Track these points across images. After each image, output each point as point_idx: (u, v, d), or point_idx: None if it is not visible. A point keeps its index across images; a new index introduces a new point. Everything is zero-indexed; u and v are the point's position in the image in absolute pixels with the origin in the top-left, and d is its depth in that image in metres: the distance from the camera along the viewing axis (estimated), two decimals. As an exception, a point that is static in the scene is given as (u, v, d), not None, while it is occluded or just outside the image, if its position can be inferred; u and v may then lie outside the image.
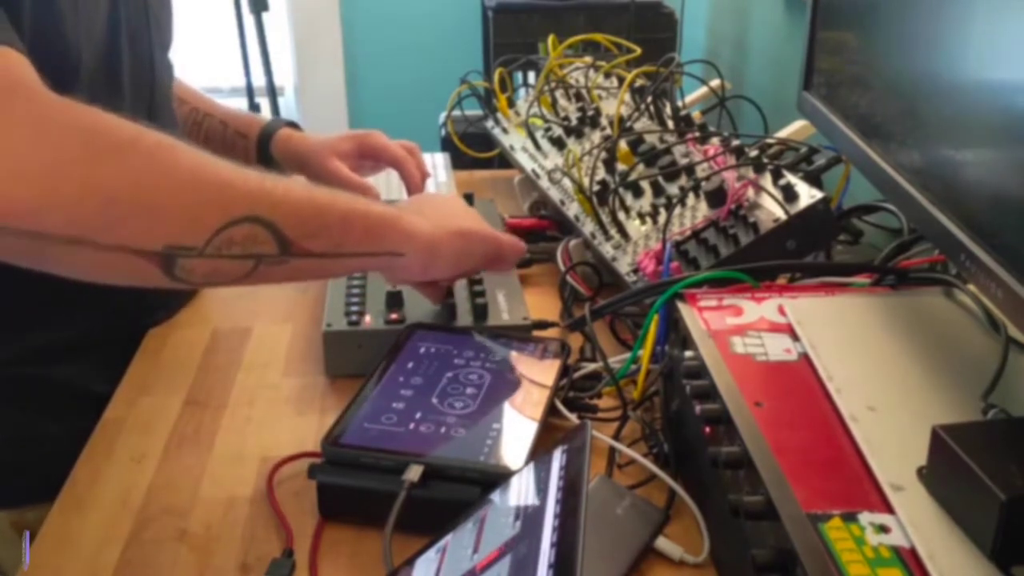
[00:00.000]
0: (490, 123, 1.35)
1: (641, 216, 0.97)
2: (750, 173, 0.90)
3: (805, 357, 0.65)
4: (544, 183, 1.14)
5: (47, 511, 0.81)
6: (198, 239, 0.65)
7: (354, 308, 0.89)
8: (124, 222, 0.62)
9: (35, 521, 0.82)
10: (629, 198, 1.00)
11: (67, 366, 0.89)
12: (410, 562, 0.60)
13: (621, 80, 1.23)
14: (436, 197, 0.99)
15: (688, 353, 0.68)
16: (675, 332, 0.74)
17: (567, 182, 1.08)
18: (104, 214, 0.61)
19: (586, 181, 1.02)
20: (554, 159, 1.17)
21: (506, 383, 0.78)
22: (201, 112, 1.13)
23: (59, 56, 0.76)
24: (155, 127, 0.74)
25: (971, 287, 0.69)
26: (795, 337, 0.67)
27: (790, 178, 0.87)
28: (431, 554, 0.59)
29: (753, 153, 0.98)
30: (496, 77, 1.33)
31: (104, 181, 0.61)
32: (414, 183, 1.11)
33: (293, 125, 1.14)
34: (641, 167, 1.02)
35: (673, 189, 0.98)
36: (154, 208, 0.63)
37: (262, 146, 1.12)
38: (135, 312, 0.94)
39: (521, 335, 0.86)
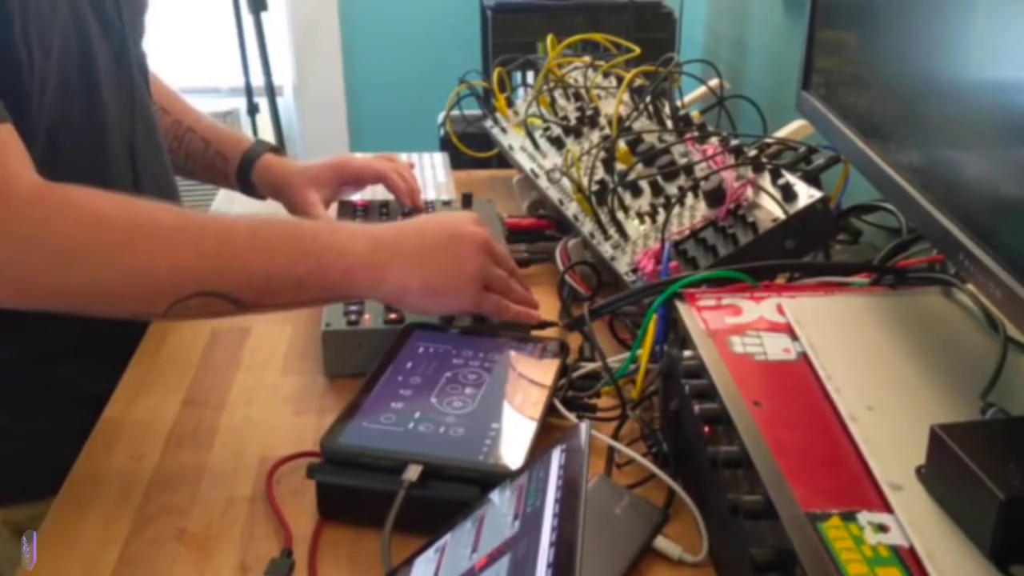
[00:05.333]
0: (489, 123, 1.35)
1: (640, 216, 0.97)
2: (749, 173, 0.90)
3: (804, 356, 0.65)
4: (543, 183, 1.14)
5: (38, 509, 0.82)
6: (156, 310, 0.74)
7: (353, 308, 0.89)
8: (87, 309, 0.73)
9: (26, 519, 0.82)
10: (628, 198, 1.01)
11: (66, 366, 0.89)
12: (409, 562, 0.60)
13: (620, 80, 1.23)
14: (428, 232, 0.84)
15: (687, 353, 0.68)
16: (674, 332, 0.74)
17: (566, 182, 1.08)
18: (69, 306, 0.72)
19: (585, 181, 1.02)
20: (553, 159, 1.17)
21: (505, 383, 0.78)
22: (184, 126, 1.13)
23: (7, 57, 0.76)
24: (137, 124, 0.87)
25: (970, 287, 0.69)
26: (794, 336, 0.67)
27: (789, 178, 0.87)
28: (430, 554, 0.59)
29: (752, 153, 0.98)
30: (495, 77, 1.33)
31: (65, 287, 0.71)
32: (401, 193, 1.11)
33: (275, 150, 1.15)
34: (640, 167, 1.02)
35: (672, 189, 0.98)
36: (111, 299, 0.73)
37: (243, 170, 1.12)
38: None
39: (520, 335, 0.86)
